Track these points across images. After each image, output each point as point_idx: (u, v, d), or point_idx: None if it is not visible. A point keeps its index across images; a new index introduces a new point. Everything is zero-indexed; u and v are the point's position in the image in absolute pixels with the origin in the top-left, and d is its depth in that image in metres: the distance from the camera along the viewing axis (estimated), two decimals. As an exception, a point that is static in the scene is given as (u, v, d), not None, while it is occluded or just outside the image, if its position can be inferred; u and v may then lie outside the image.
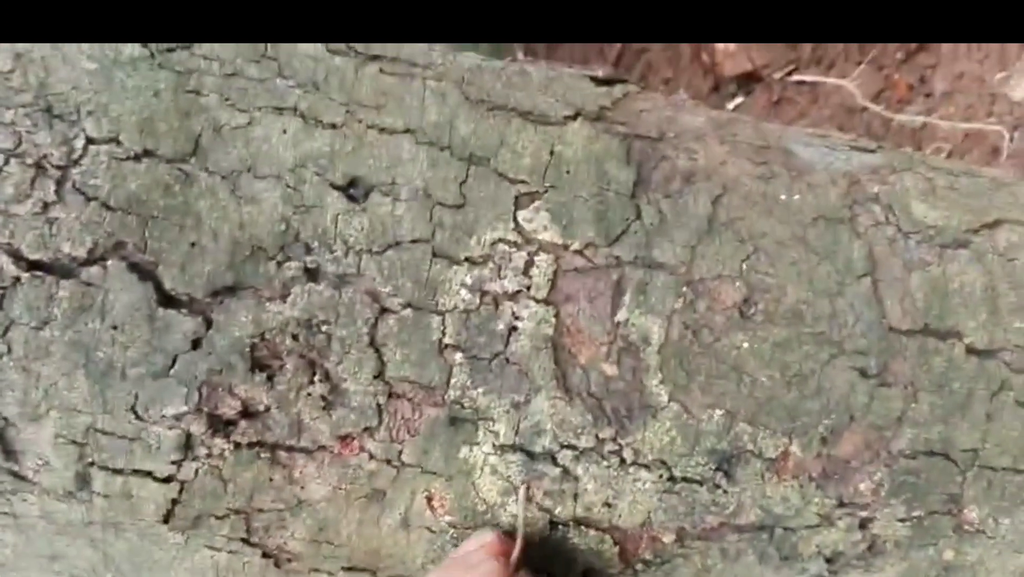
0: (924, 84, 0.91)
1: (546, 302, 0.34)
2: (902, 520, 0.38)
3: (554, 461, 0.35)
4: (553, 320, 0.34)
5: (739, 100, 1.03)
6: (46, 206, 0.29)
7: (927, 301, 0.37)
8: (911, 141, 0.90)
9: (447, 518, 0.35)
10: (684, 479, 0.34)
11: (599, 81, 0.37)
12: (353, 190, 0.32)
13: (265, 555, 0.34)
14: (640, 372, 0.35)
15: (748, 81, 1.03)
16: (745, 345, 0.36)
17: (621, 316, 0.34)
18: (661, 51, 1.06)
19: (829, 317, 0.36)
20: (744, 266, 0.35)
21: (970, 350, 0.37)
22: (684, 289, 0.35)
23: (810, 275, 0.36)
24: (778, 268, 0.36)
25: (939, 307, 0.37)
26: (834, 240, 0.37)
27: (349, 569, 0.36)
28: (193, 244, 0.30)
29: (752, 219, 0.36)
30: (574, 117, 0.35)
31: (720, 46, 0.95)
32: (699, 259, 0.35)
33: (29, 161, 0.29)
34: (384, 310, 0.32)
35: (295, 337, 0.32)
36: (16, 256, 0.29)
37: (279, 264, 0.31)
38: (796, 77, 0.97)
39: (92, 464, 0.31)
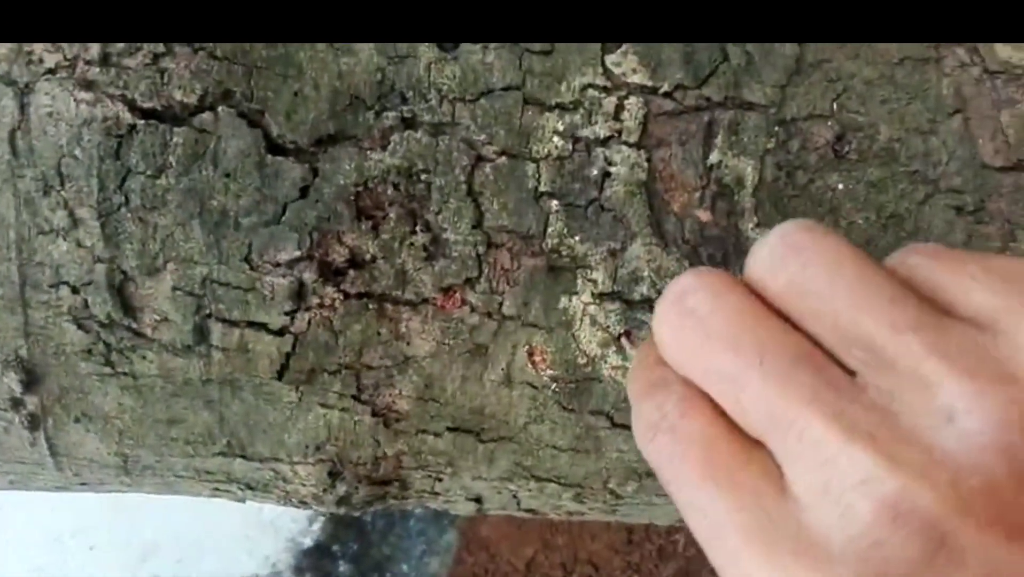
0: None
1: (638, 146, 0.34)
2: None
3: (652, 309, 0.35)
4: (646, 164, 0.34)
5: None
6: (156, 57, 0.30)
7: (1018, 138, 0.36)
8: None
9: (549, 372, 0.35)
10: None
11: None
12: (444, 40, 0.33)
13: (375, 413, 0.35)
14: (735, 216, 0.35)
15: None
16: (840, 186, 0.35)
17: (714, 159, 0.34)
18: None
19: (923, 155, 0.36)
20: (835, 105, 0.35)
21: (1067, 186, 0.36)
22: (776, 129, 0.35)
23: (901, 113, 0.36)
24: (869, 107, 0.36)
25: (1032, 143, 0.36)
26: (922, 79, 0.36)
27: (454, 429, 0.36)
28: (296, 93, 0.31)
29: (839, 60, 0.36)
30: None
31: None
32: (789, 99, 0.35)
33: (137, 15, 0.30)
34: (480, 158, 0.33)
35: (396, 186, 0.32)
36: (131, 105, 0.30)
37: (377, 113, 0.32)
38: None
39: (209, 316, 0.32)
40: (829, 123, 0.35)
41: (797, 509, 0.20)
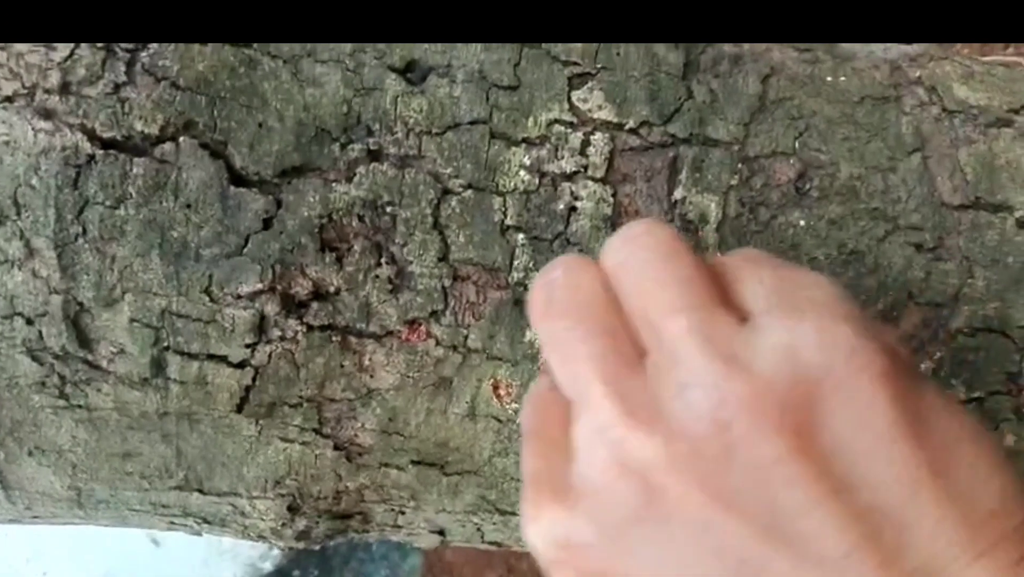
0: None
1: (604, 181, 0.34)
2: (962, 402, 0.38)
3: (617, 342, 0.35)
4: (611, 200, 0.34)
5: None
6: (117, 87, 0.29)
7: (976, 176, 0.37)
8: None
9: (513, 406, 0.35)
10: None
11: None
12: (411, 73, 0.33)
13: (337, 447, 0.35)
14: (699, 251, 0.35)
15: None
16: (802, 223, 0.36)
17: (678, 195, 0.35)
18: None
19: (882, 193, 0.36)
20: (797, 143, 0.36)
21: (1021, 224, 0.37)
22: (739, 166, 0.35)
23: (862, 151, 0.36)
24: (830, 145, 0.36)
25: (988, 182, 0.37)
26: (882, 118, 0.37)
27: (418, 463, 0.36)
28: (260, 125, 0.31)
29: (801, 99, 0.36)
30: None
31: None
32: (752, 136, 0.35)
33: (99, 44, 0.29)
34: (446, 191, 0.33)
35: (361, 218, 0.32)
36: (90, 135, 0.29)
37: (343, 146, 0.32)
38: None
39: (167, 348, 0.31)
40: (791, 160, 0.36)
41: (570, 458, 0.23)
